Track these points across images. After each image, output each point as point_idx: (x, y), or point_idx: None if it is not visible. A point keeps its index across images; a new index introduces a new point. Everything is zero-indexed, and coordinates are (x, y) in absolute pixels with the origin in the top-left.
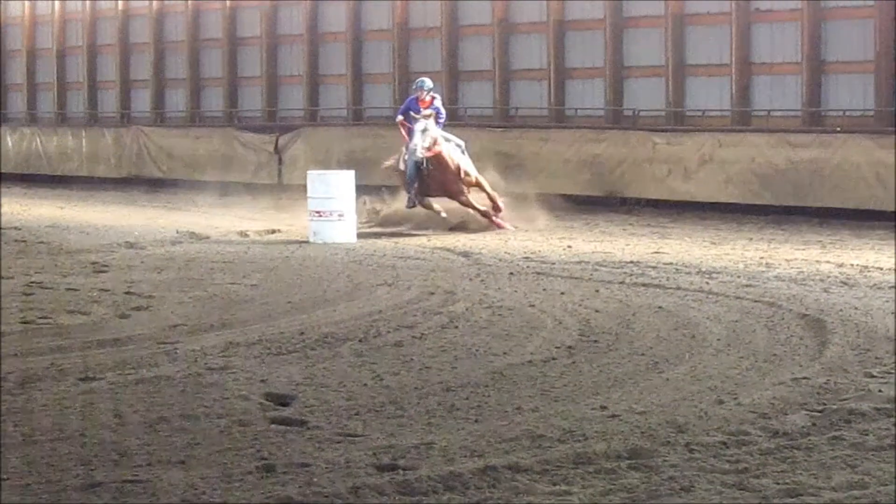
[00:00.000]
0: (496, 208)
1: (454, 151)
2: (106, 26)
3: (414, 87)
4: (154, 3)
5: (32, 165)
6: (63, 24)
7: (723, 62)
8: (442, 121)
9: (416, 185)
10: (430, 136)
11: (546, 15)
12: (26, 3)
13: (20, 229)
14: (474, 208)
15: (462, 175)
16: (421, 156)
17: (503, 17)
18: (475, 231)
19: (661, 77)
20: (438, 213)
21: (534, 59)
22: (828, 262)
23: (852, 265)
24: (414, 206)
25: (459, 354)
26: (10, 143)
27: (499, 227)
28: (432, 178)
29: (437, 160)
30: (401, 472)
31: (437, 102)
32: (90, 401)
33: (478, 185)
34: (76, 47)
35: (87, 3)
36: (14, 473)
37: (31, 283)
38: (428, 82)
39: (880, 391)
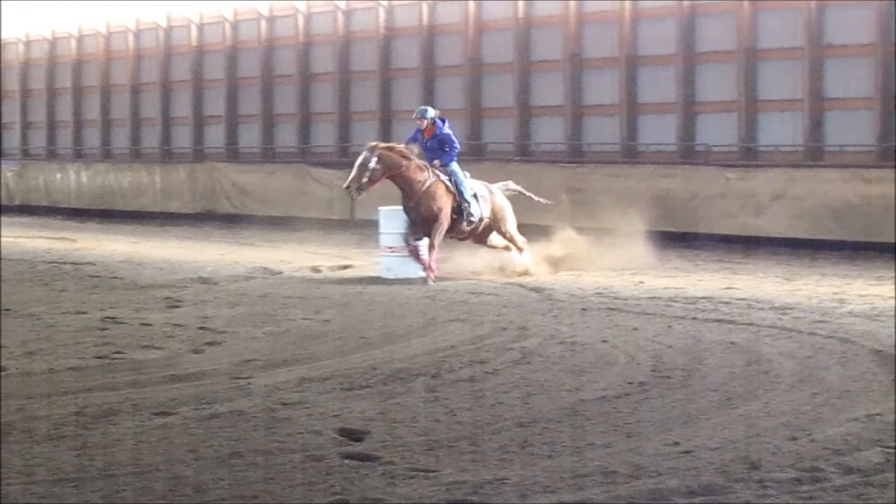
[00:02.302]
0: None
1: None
2: (180, 62)
3: (414, 115)
4: (227, 39)
5: (107, 201)
6: (137, 61)
7: (795, 97)
8: (452, 150)
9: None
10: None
11: (618, 50)
12: (100, 40)
13: (94, 264)
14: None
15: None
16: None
17: (575, 52)
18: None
19: (732, 112)
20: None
21: (605, 95)
22: None
23: None
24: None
25: (532, 390)
26: (84, 179)
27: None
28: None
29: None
30: None
31: (445, 129)
32: (165, 435)
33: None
34: (150, 84)
35: (161, 39)
36: None
37: (106, 318)
38: (430, 111)
39: None
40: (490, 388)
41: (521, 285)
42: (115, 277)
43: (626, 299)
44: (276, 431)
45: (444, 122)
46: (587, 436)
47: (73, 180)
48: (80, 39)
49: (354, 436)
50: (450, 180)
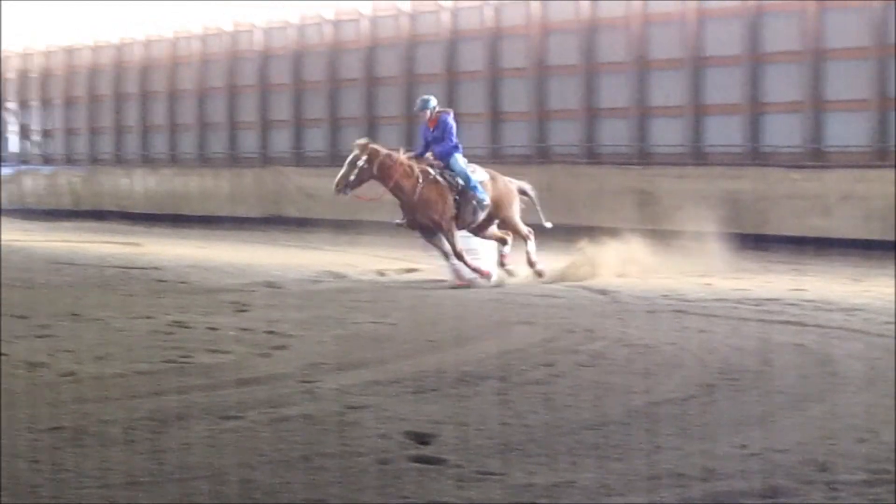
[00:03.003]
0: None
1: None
2: (246, 66)
3: (416, 108)
4: (293, 43)
5: (174, 205)
6: (203, 65)
7: (862, 97)
8: (448, 140)
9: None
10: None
11: (683, 51)
12: (166, 44)
13: (162, 269)
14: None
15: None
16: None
17: (640, 53)
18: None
19: (799, 112)
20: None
21: (671, 96)
22: None
23: None
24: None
25: (599, 393)
26: (151, 184)
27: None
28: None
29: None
30: None
31: (448, 119)
32: (235, 439)
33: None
34: (217, 88)
35: (227, 43)
36: None
37: (173, 322)
38: (432, 101)
39: None
40: (558, 391)
41: (587, 287)
42: (182, 282)
43: (693, 301)
44: (344, 435)
45: (448, 114)
46: (656, 438)
47: (140, 185)
48: (147, 44)
49: (423, 439)
50: (442, 175)
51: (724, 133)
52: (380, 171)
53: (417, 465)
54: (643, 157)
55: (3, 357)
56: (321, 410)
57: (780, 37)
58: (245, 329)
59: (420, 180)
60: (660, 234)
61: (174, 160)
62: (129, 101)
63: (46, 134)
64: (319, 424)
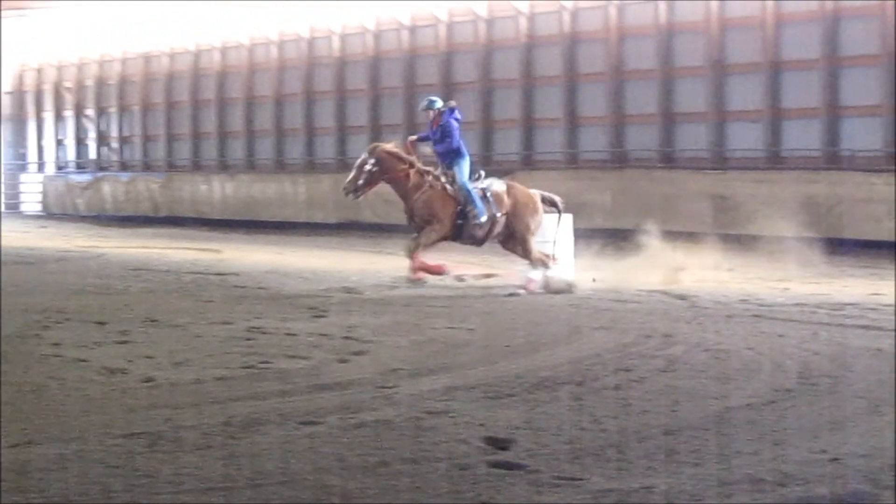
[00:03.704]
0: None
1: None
2: (322, 72)
3: (421, 107)
4: (369, 50)
5: (251, 212)
6: (280, 72)
7: None
8: (450, 141)
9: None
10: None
11: (761, 55)
12: (243, 51)
13: (239, 275)
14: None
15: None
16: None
17: (718, 57)
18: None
19: (877, 116)
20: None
21: (749, 100)
22: None
23: None
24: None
25: (678, 398)
26: (228, 190)
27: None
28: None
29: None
30: None
31: (451, 119)
32: (312, 444)
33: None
34: (293, 94)
35: (305, 50)
36: None
37: (252, 328)
38: (437, 102)
39: None
40: (636, 396)
41: (665, 292)
42: (260, 288)
43: (771, 306)
44: (422, 440)
45: (452, 111)
46: (734, 443)
47: (217, 191)
48: (224, 51)
49: (500, 444)
50: (450, 183)
51: (802, 137)
52: (387, 172)
53: (495, 470)
54: (720, 161)
55: (82, 363)
56: (399, 416)
57: (858, 40)
58: (323, 334)
59: (429, 181)
60: (737, 239)
61: (252, 166)
62: (206, 108)
63: (124, 140)
64: (397, 430)
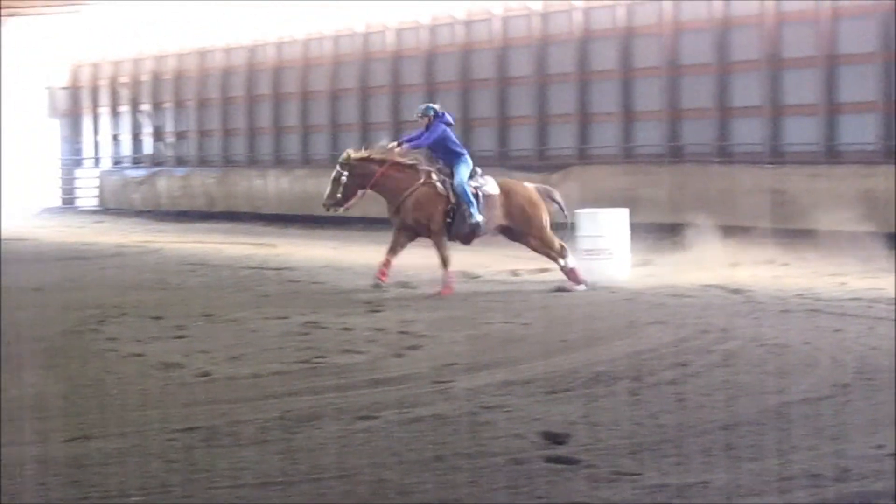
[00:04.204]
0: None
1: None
2: (377, 67)
3: (416, 115)
4: (424, 44)
5: (307, 206)
6: (335, 67)
7: None
8: (423, 137)
9: None
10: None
11: (817, 49)
12: (299, 47)
13: (295, 270)
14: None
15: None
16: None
17: (774, 52)
18: None
19: None
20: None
21: (805, 94)
22: None
23: None
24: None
25: (734, 393)
26: (284, 185)
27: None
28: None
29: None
30: None
31: (442, 124)
32: (368, 439)
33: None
34: (348, 89)
35: (359, 44)
36: None
37: (307, 322)
38: (432, 108)
39: None
40: (692, 391)
41: (720, 286)
42: (315, 282)
43: (828, 300)
44: (477, 435)
45: (442, 115)
46: (791, 438)
47: (273, 186)
48: (280, 46)
49: (556, 439)
50: (443, 182)
51: (858, 131)
52: (366, 178)
53: (551, 465)
54: (776, 155)
55: (139, 358)
56: (454, 410)
57: None
58: (378, 329)
59: (416, 178)
60: (793, 234)
61: (307, 161)
62: (261, 103)
63: (180, 136)
64: (452, 424)
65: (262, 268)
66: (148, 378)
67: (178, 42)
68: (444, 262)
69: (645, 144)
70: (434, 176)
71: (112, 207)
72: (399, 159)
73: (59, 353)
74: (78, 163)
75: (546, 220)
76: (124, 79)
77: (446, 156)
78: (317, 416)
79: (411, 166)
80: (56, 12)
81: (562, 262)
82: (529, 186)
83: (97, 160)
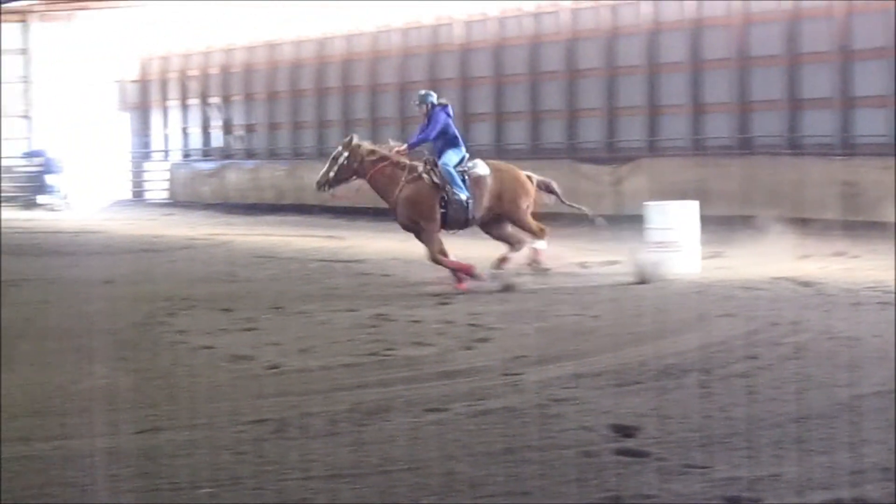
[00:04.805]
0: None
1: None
2: (446, 60)
3: (415, 102)
4: (492, 36)
5: (376, 199)
6: (405, 59)
7: None
8: (425, 131)
9: None
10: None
11: (887, 40)
12: (366, 39)
13: (364, 262)
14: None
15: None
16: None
17: (844, 43)
18: None
19: None
20: None
21: (875, 86)
22: None
23: None
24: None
25: (805, 386)
26: None
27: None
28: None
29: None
30: None
31: (441, 114)
32: (438, 431)
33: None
34: (416, 82)
35: (425, 37)
36: (368, 503)
37: (376, 315)
38: (431, 96)
39: None
40: (762, 384)
41: (790, 279)
42: (385, 275)
43: None
44: (547, 427)
45: (443, 108)
46: (862, 432)
47: None
48: (349, 39)
49: (626, 432)
50: (430, 172)
51: None
52: (360, 167)
53: (620, 457)
54: (847, 147)
55: (208, 350)
56: (524, 403)
57: None
58: (447, 322)
59: (403, 178)
60: (864, 226)
61: None
62: (330, 96)
63: (249, 129)
64: (522, 417)
65: (331, 260)
66: (217, 370)
67: (247, 35)
68: (432, 258)
69: (714, 137)
70: (420, 168)
71: (181, 200)
72: (396, 158)
73: (129, 345)
74: (147, 156)
75: (525, 205)
76: (193, 72)
77: (444, 146)
78: (386, 409)
79: (407, 164)
80: (125, 6)
81: (539, 243)
82: (526, 174)
83: (166, 153)
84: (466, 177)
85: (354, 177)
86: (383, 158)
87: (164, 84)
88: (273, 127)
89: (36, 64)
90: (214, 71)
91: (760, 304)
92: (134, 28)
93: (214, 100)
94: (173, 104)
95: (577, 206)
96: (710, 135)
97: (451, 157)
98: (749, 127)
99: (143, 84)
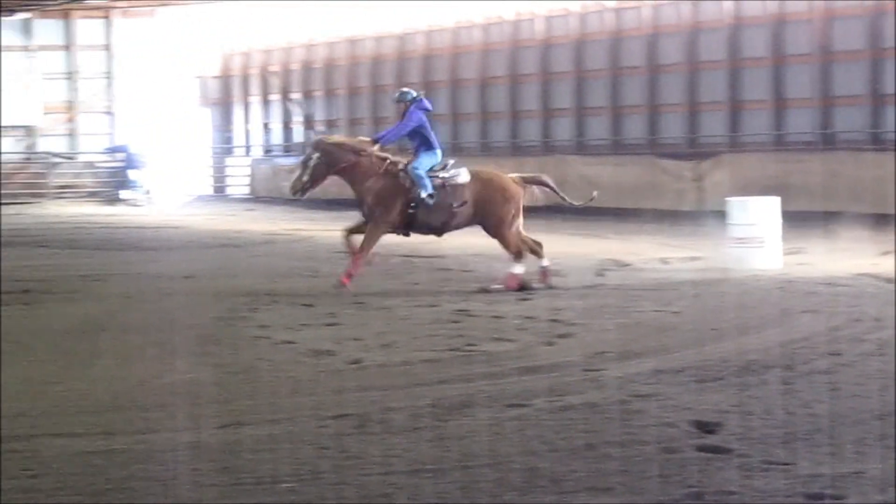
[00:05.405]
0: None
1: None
2: (527, 55)
3: (394, 99)
4: (574, 31)
5: None
6: (485, 54)
7: None
8: (398, 126)
9: None
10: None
11: None
12: (448, 34)
13: (445, 257)
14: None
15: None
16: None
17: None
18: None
19: None
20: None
21: None
22: None
23: None
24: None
25: (887, 382)
26: None
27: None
28: None
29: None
30: (829, 501)
31: (417, 111)
32: (519, 427)
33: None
34: (498, 77)
35: (508, 32)
36: (450, 498)
37: (458, 310)
38: (411, 93)
39: None
40: (845, 381)
41: (872, 275)
42: (466, 271)
43: None
44: (628, 423)
45: (420, 101)
46: None
47: None
48: (429, 35)
49: (708, 428)
50: (404, 171)
51: None
52: (335, 164)
53: (702, 454)
54: (879, 143)
55: (290, 345)
56: (605, 399)
57: None
58: (528, 317)
59: (375, 172)
60: None
61: (455, 149)
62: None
63: (331, 125)
64: (603, 413)
65: (413, 255)
66: (299, 365)
67: (329, 31)
68: (361, 251)
69: (796, 132)
70: (399, 166)
71: (262, 195)
72: (370, 149)
73: (211, 340)
74: (229, 151)
75: (508, 215)
76: (274, 68)
77: (419, 148)
78: (468, 404)
79: (385, 159)
80: (207, 2)
81: (514, 265)
82: (510, 176)
83: (248, 148)
84: (445, 184)
85: (329, 175)
86: (357, 153)
87: (245, 80)
88: (354, 122)
89: (118, 60)
90: (295, 67)
91: (842, 301)
92: (215, 24)
93: (295, 95)
94: (254, 100)
95: (568, 199)
96: (791, 130)
97: (423, 161)
98: (831, 122)
99: (225, 80)
